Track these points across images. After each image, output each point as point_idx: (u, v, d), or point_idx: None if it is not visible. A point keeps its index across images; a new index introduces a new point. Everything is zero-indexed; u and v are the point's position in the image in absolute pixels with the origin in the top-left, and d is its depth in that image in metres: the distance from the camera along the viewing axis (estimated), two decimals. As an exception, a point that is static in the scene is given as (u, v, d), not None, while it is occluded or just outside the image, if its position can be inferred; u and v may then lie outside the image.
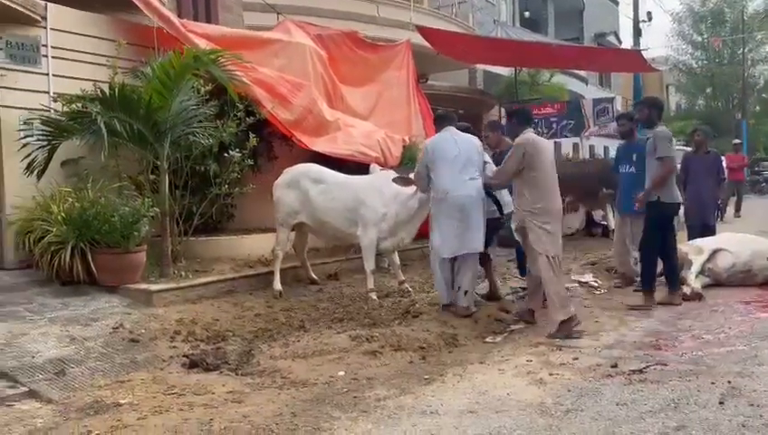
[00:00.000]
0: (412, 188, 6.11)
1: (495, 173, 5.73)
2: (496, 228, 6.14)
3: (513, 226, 5.53)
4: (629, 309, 5.83)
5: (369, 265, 6.42)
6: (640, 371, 4.07)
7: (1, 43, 6.38)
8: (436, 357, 4.65)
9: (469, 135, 5.99)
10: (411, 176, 6.07)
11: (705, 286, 6.53)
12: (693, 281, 6.36)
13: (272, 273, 6.67)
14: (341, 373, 4.31)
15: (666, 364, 4.22)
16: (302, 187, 6.69)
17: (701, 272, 6.63)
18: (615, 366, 4.19)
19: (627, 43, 33.32)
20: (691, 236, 7.65)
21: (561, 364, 4.32)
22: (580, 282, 7.15)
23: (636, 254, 7.04)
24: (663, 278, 6.98)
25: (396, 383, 4.08)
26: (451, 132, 5.85)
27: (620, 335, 5.03)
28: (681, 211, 6.97)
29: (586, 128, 15.63)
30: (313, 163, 7.19)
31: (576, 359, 4.43)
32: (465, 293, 5.66)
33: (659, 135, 5.93)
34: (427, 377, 4.18)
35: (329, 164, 7.57)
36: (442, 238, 5.67)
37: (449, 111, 6.64)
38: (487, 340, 5.08)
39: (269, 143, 8.43)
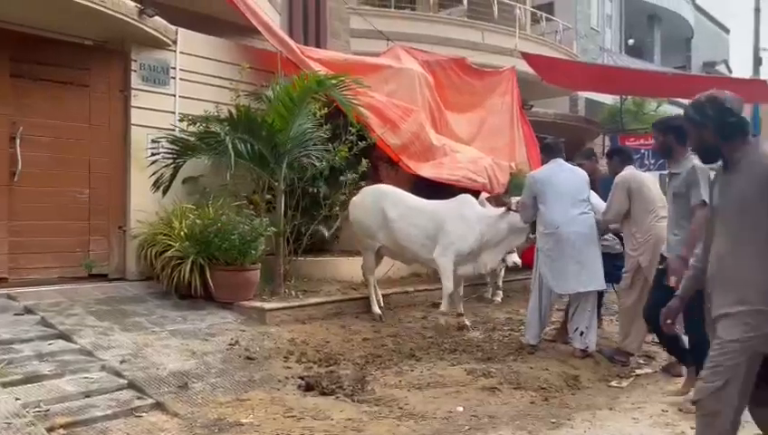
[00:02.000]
0: (500, 210, 5.98)
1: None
2: (617, 264, 5.78)
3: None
4: None
5: (448, 286, 6.14)
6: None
7: (135, 66, 6.74)
8: (559, 399, 4.40)
9: (575, 167, 5.76)
10: (513, 201, 5.92)
11: None
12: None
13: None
14: (460, 409, 4.15)
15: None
16: (381, 209, 6.43)
17: None
18: None
19: (738, 72, 31.62)
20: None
21: (703, 417, 3.96)
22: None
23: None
24: None
25: (520, 425, 3.87)
26: (558, 164, 5.63)
27: None
28: None
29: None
30: (389, 186, 6.96)
31: (718, 413, 4.05)
32: (582, 333, 5.35)
33: None
34: (553, 421, 3.94)
35: (433, 189, 7.51)
36: (555, 275, 5.37)
37: (558, 140, 6.31)
38: (612, 384, 4.77)
39: (375, 167, 8.47)
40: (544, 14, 18.39)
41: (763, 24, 20.51)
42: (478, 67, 11.29)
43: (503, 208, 6.01)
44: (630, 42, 24.70)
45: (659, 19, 26.31)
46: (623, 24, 24.31)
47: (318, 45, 10.75)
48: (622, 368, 5.12)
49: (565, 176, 5.52)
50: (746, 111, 14.44)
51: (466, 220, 6.12)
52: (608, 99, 18.99)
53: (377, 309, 6.51)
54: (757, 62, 16.86)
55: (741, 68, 37.24)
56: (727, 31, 33.61)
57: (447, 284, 6.17)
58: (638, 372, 5.04)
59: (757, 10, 17.02)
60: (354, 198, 6.75)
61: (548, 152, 5.83)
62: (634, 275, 5.16)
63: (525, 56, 12.65)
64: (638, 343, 5.26)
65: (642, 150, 15.06)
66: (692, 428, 3.76)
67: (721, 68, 30.15)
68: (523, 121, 11.17)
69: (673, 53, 27.59)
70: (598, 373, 4.94)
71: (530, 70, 12.65)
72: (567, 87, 15.17)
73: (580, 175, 5.62)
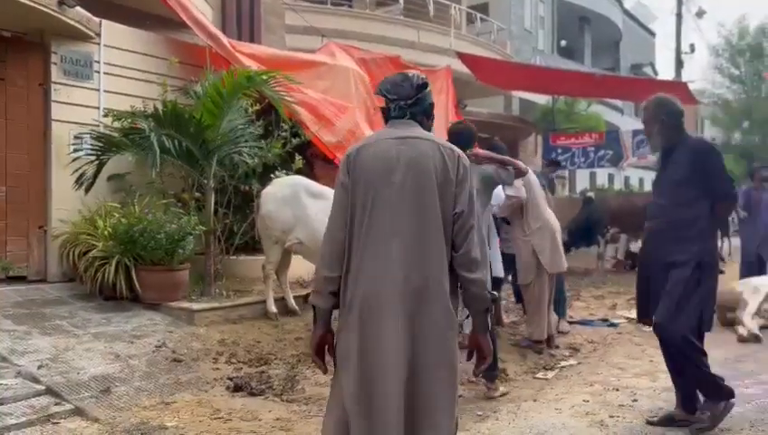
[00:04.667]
0: None
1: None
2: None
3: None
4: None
5: None
6: (707, 417, 3.86)
7: (56, 59, 6.47)
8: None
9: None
10: None
11: (761, 328, 6.25)
12: (749, 322, 6.10)
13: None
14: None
15: (733, 412, 4.00)
16: (300, 202, 6.04)
17: (756, 312, 6.35)
18: (679, 410, 3.98)
19: (662, 74, 33.07)
20: (748, 273, 7.38)
21: (621, 406, 4.13)
22: (627, 318, 6.93)
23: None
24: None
25: (448, 418, 3.93)
26: None
27: (679, 377, 4.80)
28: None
29: (624, 159, 15.44)
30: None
31: (635, 401, 4.23)
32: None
33: None
34: (479, 413, 4.02)
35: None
36: None
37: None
38: (538, 376, 4.91)
39: (310, 164, 8.42)
40: (479, 15, 18.70)
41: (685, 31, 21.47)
42: (414, 66, 11.36)
43: None
44: (562, 43, 25.38)
45: (590, 22, 27.17)
46: (555, 26, 24.99)
47: (252, 41, 10.57)
48: (548, 361, 5.27)
49: None
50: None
51: None
52: (541, 99, 19.51)
53: (273, 308, 6.16)
54: (679, 64, 17.65)
55: (665, 69, 38.97)
56: (653, 34, 35.06)
57: None
58: (562, 363, 5.20)
59: (679, 15, 17.81)
60: (267, 190, 6.26)
61: None
62: (536, 265, 5.49)
63: (460, 55, 12.85)
64: (542, 330, 5.55)
65: (573, 149, 15.57)
66: (611, 416, 3.94)
67: (647, 69, 31.44)
68: (457, 120, 11.33)
69: (603, 54, 28.56)
70: (524, 366, 5.07)
71: (465, 69, 12.86)
72: (501, 87, 15.48)
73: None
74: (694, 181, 3.62)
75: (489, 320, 2.46)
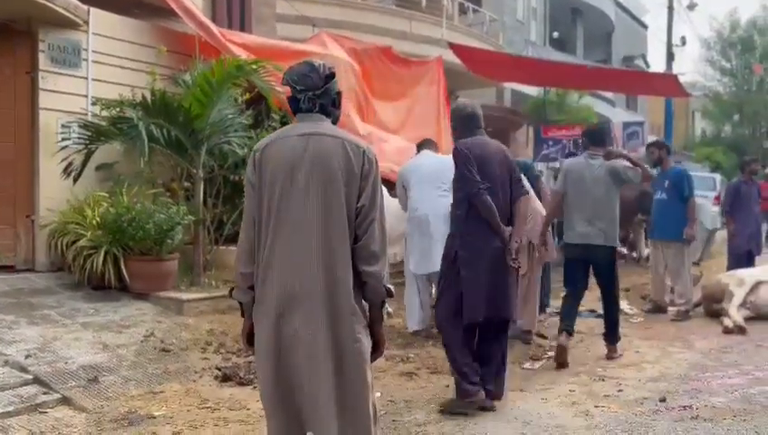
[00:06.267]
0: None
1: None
2: None
3: None
4: None
5: None
6: (691, 407, 3.91)
7: (43, 46, 6.40)
8: (474, 382, 4.51)
9: (444, 157, 6.03)
10: None
11: (746, 319, 6.32)
12: (735, 314, 6.16)
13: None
14: (378, 394, 4.17)
15: (716, 402, 4.05)
16: None
17: (742, 304, 6.42)
18: (664, 400, 4.03)
19: (654, 66, 33.15)
20: (736, 266, 7.44)
21: (606, 396, 4.17)
22: (615, 309, 6.97)
23: (668, 281, 6.97)
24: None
25: (435, 408, 3.96)
26: (425, 155, 5.92)
27: (664, 368, 4.87)
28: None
29: (615, 151, 15.47)
30: None
31: (621, 391, 4.28)
32: None
33: None
34: (467, 402, 4.04)
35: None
36: (416, 256, 5.55)
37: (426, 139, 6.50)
38: (525, 366, 4.95)
39: (301, 155, 8.40)
40: (472, 6, 18.63)
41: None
42: (405, 56, 11.34)
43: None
44: (555, 35, 25.35)
45: (582, 14, 27.15)
46: (548, 17, 24.96)
47: (242, 30, 10.50)
48: (536, 351, 5.31)
49: (430, 163, 5.74)
50: (660, 105, 15.18)
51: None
52: (532, 90, 19.52)
53: None
54: (670, 57, 17.69)
55: (657, 62, 39.08)
56: (645, 27, 35.10)
57: None
58: (549, 354, 5.22)
59: (670, 8, 17.83)
60: None
61: (419, 149, 6.13)
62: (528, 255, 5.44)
63: (452, 46, 12.78)
64: (533, 320, 5.63)
65: (563, 141, 15.59)
66: (596, 406, 3.97)
67: (639, 62, 31.49)
68: (449, 111, 11.29)
69: (595, 46, 28.56)
70: (512, 356, 5.07)
71: (457, 60, 12.79)
72: (493, 78, 15.42)
73: (446, 163, 5.77)
74: (455, 181, 4.11)
75: (384, 311, 2.50)
